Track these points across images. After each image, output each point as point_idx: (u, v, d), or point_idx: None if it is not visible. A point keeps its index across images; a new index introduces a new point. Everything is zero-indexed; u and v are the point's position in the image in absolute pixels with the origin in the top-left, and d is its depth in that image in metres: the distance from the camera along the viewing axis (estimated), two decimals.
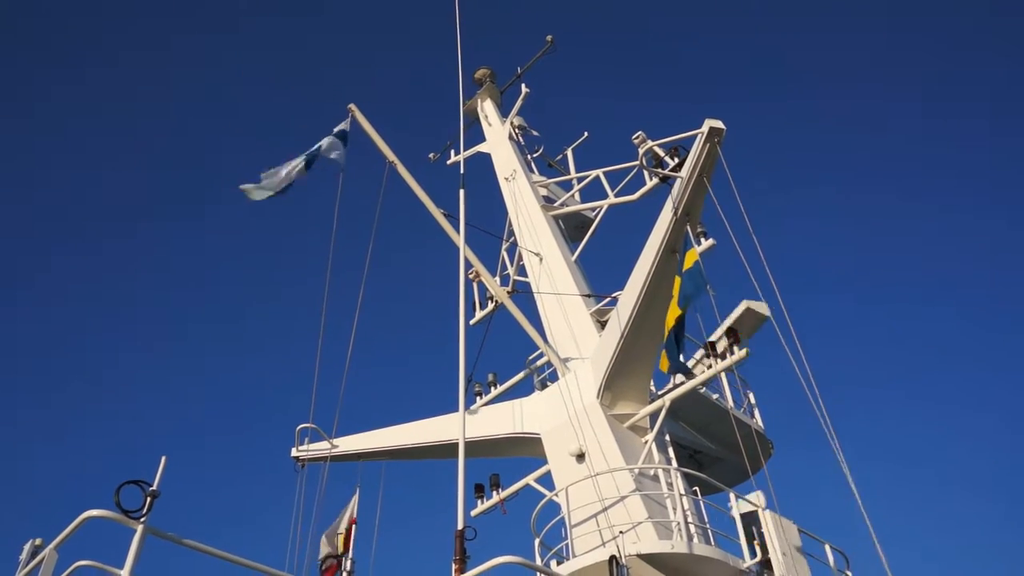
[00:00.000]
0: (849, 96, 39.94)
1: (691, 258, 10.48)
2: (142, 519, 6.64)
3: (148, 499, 6.69)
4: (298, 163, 12.63)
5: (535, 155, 19.04)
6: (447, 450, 13.44)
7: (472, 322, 16.55)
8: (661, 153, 13.41)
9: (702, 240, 13.32)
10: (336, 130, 13.23)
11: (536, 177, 18.02)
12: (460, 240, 12.43)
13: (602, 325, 13.68)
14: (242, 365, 40.30)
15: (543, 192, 17.42)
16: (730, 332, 12.30)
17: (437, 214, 13.92)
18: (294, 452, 13.56)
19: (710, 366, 12.15)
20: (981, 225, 37.19)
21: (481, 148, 18.72)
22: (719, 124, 11.05)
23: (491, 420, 13.42)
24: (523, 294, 15.00)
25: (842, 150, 40.11)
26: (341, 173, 12.69)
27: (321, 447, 13.68)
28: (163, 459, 6.83)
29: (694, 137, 11.40)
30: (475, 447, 13.00)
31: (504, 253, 17.46)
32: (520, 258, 16.39)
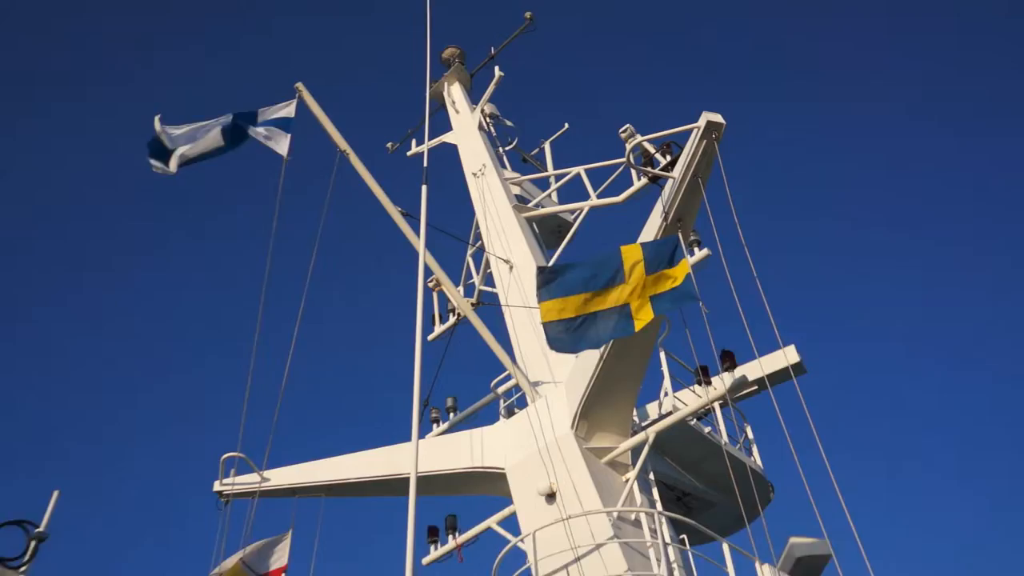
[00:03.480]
0: (868, 98, 40.58)
1: (681, 271, 10.33)
2: (22, 568, 6.23)
3: (32, 543, 6.30)
4: (217, 125, 12.14)
5: (508, 148, 19.01)
6: (397, 486, 13.27)
7: (430, 338, 16.41)
8: (651, 150, 13.39)
9: (695, 249, 13.31)
10: (278, 115, 12.91)
11: (508, 173, 17.95)
12: (420, 243, 12.33)
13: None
14: (160, 383, 39.58)
15: (516, 191, 17.36)
16: (726, 356, 12.19)
17: (394, 213, 13.74)
18: (217, 486, 13.31)
19: (706, 390, 12.25)
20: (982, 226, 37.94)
21: (446, 138, 18.60)
22: (718, 118, 11.01)
23: (448, 452, 13.27)
24: (490, 307, 14.91)
25: (861, 155, 40.65)
26: (283, 165, 12.40)
27: (249, 480, 13.46)
28: (54, 494, 6.45)
29: (689, 132, 11.36)
30: (429, 483, 12.85)
31: (469, 259, 17.35)
32: (488, 265, 16.29)
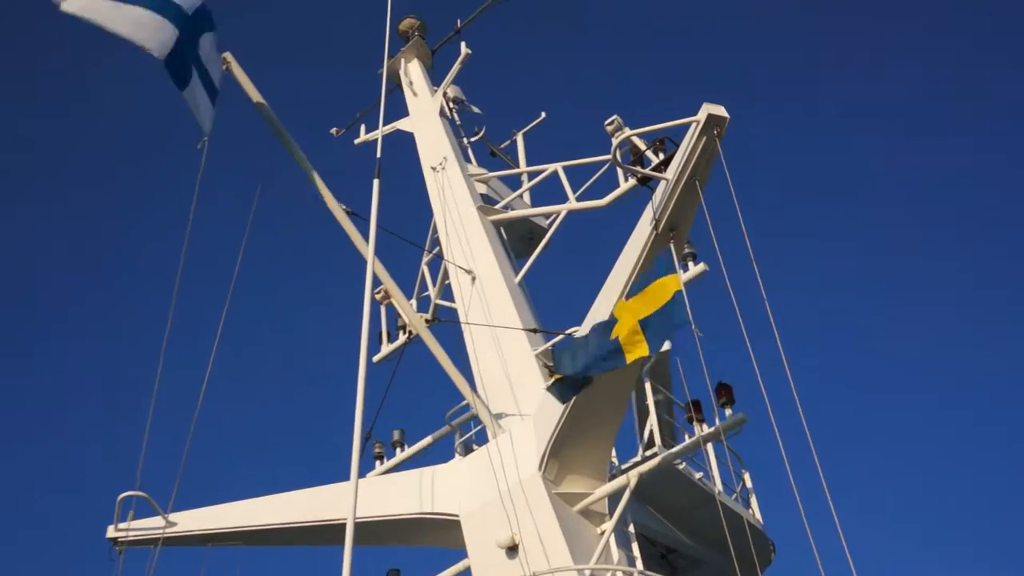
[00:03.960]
0: (887, 98, 41.21)
1: (671, 286, 10.30)
2: None
3: None
4: (158, 24, 11.64)
5: (474, 139, 19.00)
6: (330, 534, 13.07)
7: (376, 359, 16.29)
8: (641, 146, 13.42)
9: (690, 264, 13.31)
10: (212, 66, 12.59)
11: (474, 169, 17.94)
12: (368, 248, 12.22)
13: (551, 371, 13.39)
14: (50, 407, 38.79)
15: (482, 189, 17.34)
16: (722, 389, 12.11)
17: (338, 211, 13.62)
18: (111, 531, 13.03)
19: (698, 430, 12.33)
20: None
21: (401, 125, 18.54)
22: (721, 111, 11.00)
23: (393, 494, 13.15)
24: (447, 324, 14.80)
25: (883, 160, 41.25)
26: (204, 145, 12.13)
27: (151, 525, 13.20)
28: None
29: (687, 127, 11.34)
30: (369, 531, 12.61)
31: (425, 268, 17.29)
32: (446, 276, 16.23)
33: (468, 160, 18.25)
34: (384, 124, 14.77)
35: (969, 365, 39.00)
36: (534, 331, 14.15)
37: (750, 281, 10.46)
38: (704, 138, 11.04)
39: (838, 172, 41.20)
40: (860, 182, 41.55)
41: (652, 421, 13.04)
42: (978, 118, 40.46)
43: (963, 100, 40.22)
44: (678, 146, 11.58)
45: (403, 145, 18.35)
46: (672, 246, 11.25)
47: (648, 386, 13.23)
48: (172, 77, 11.80)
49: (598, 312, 11.83)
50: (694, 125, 11.15)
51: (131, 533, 12.97)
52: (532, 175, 17.41)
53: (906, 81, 40.90)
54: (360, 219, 13.34)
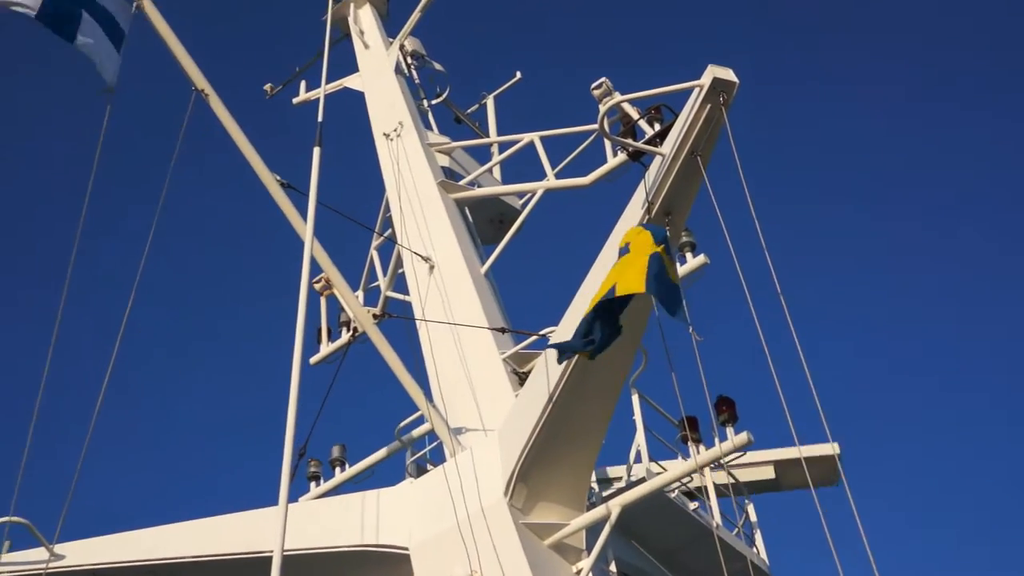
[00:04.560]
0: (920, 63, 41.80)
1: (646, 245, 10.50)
2: None
3: None
4: None
5: (436, 102, 19.11)
6: (254, 569, 13.02)
7: (313, 361, 16.34)
8: (634, 114, 13.52)
9: (688, 256, 13.41)
10: (117, 11, 12.54)
11: (435, 137, 18.01)
12: (306, 229, 12.26)
13: (521, 379, 13.67)
14: None
15: (444, 162, 17.44)
16: (723, 404, 12.23)
17: (271, 183, 13.63)
18: None
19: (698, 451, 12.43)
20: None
21: (349, 83, 18.63)
22: (729, 75, 11.08)
23: (330, 522, 13.17)
24: (399, 321, 14.83)
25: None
26: (108, 98, 12.08)
27: (33, 557, 13.12)
28: None
29: (688, 94, 11.44)
30: (301, 565, 12.64)
31: (374, 254, 17.38)
32: (399, 264, 16.31)
33: (428, 127, 18.29)
34: (328, 81, 14.80)
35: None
36: (502, 331, 14.23)
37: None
38: (708, 106, 11.09)
39: (863, 149, 41.75)
40: (880, 152, 42.13)
41: (639, 440, 13.16)
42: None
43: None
44: (677, 115, 11.67)
45: (351, 107, 18.43)
46: (667, 233, 11.28)
47: (635, 398, 13.34)
48: (53, 29, 11.68)
49: (578, 310, 11.88)
50: (696, 91, 11.20)
51: (7, 567, 12.89)
52: (504, 146, 17.48)
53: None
54: (298, 193, 13.38)
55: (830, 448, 13.72)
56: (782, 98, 42.66)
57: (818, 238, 41.72)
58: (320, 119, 12.99)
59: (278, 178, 13.60)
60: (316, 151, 12.58)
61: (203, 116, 13.64)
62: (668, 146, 11.53)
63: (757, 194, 10.64)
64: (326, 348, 16.46)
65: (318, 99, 13.63)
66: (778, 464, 14.61)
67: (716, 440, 12.25)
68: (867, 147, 41.79)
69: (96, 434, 11.90)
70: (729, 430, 12.56)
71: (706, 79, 11.14)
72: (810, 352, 9.90)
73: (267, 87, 20.19)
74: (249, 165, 13.66)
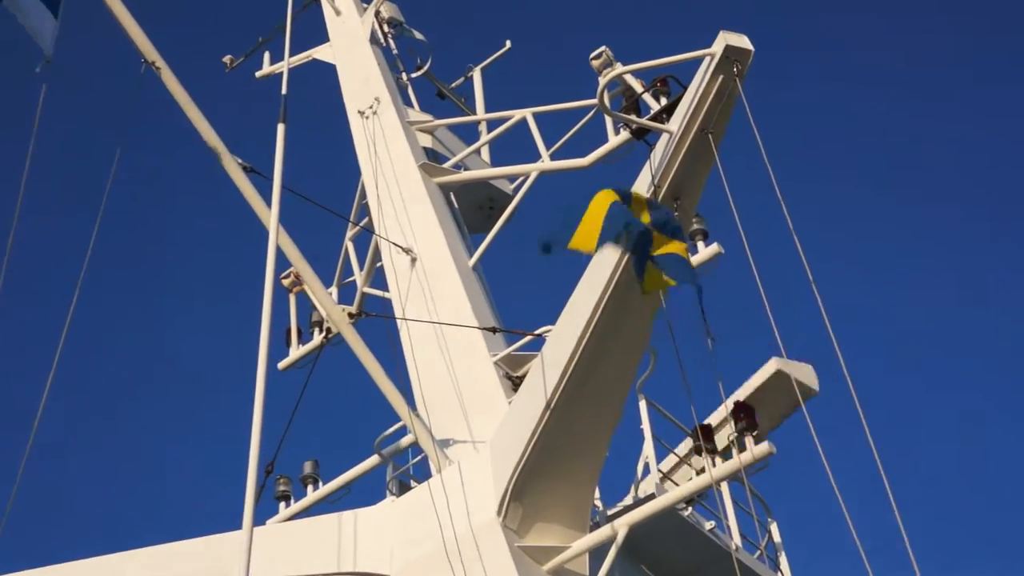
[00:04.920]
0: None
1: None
2: None
3: None
4: None
5: (416, 75, 19.13)
6: None
7: (281, 366, 16.39)
8: (638, 88, 13.57)
9: (699, 245, 13.57)
10: None
11: (416, 115, 18.04)
12: (271, 217, 12.27)
13: (515, 384, 13.72)
14: None
15: (426, 142, 17.49)
16: (742, 411, 12.37)
17: (233, 167, 13.68)
18: None
19: (702, 470, 12.27)
20: None
21: (319, 54, 18.71)
22: (743, 42, 11.15)
23: (302, 547, 13.17)
24: (378, 320, 14.83)
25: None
26: (43, 72, 12.08)
27: None
28: None
29: (697, 63, 11.50)
30: None
31: (349, 245, 17.39)
32: (378, 256, 16.35)
33: (408, 103, 18.31)
34: (294, 52, 14.81)
35: None
36: (492, 330, 14.28)
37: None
38: (720, 77, 11.14)
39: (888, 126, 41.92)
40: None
41: (647, 451, 13.20)
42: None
43: None
44: (685, 88, 11.75)
45: (322, 81, 18.43)
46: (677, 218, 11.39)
47: (643, 405, 13.36)
48: None
49: (576, 307, 11.99)
50: (707, 60, 11.25)
51: None
52: (493, 124, 17.51)
53: None
54: (262, 178, 13.38)
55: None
56: (802, 68, 42.84)
57: (848, 224, 41.89)
58: (284, 93, 12.99)
59: (240, 161, 13.59)
60: (280, 128, 12.56)
61: (155, 93, 13.62)
62: (676, 122, 11.57)
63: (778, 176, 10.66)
64: (296, 351, 16.46)
65: (283, 72, 13.60)
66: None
67: (734, 451, 12.21)
68: (899, 126, 42.04)
69: (38, 451, 11.89)
70: (748, 440, 12.45)
71: (718, 47, 11.18)
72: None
73: (226, 59, 20.20)
74: (207, 146, 13.64)
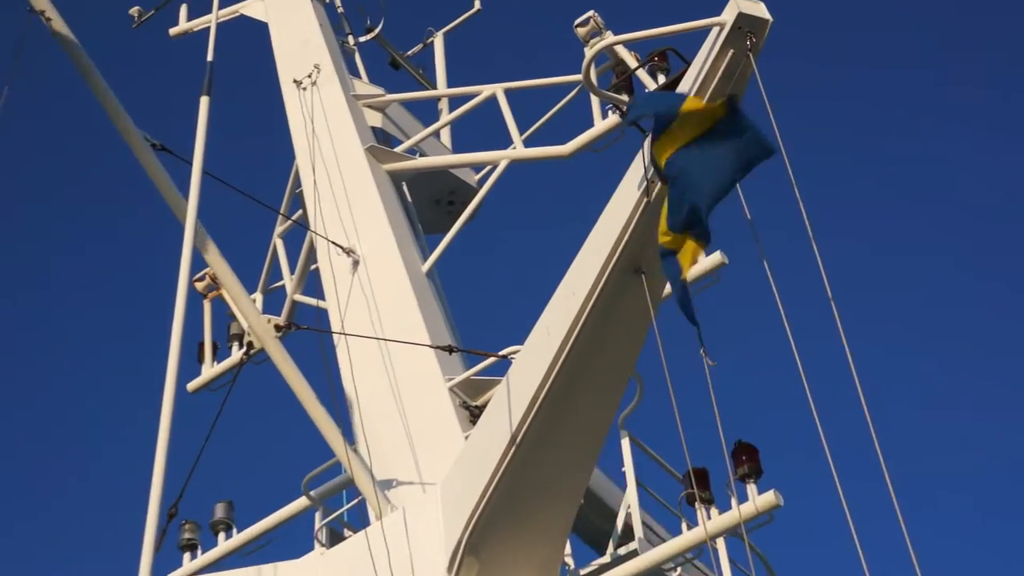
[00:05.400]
0: None
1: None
2: None
3: None
4: None
5: (365, 39, 19.20)
6: None
7: (192, 387, 16.41)
8: (631, 62, 13.63)
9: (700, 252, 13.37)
10: None
11: (364, 87, 18.11)
12: (188, 208, 12.39)
13: (473, 415, 13.72)
14: None
15: (375, 121, 17.53)
16: (743, 452, 12.38)
17: (140, 145, 13.55)
18: None
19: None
20: None
21: (248, 9, 18.73)
22: (759, 9, 11.04)
23: None
24: (311, 334, 14.64)
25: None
26: None
27: None
28: None
29: (703, 34, 11.42)
30: None
31: (278, 242, 17.48)
32: (313, 257, 16.35)
33: (355, 73, 18.39)
34: (220, 6, 14.64)
35: None
36: (449, 350, 14.24)
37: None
38: (731, 51, 11.03)
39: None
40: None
41: (629, 498, 13.16)
42: None
43: None
44: (688, 64, 11.64)
45: (251, 43, 18.30)
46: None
47: (626, 443, 13.35)
48: None
49: (552, 322, 11.96)
50: (716, 30, 11.14)
51: None
52: (456, 102, 17.57)
53: None
54: (177, 160, 13.38)
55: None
56: (826, 43, 43.08)
57: (872, 229, 42.15)
58: (210, 58, 12.86)
59: (148, 137, 13.49)
60: (203, 102, 12.65)
61: (44, 50, 13.42)
62: None
63: (798, 171, 10.51)
64: (209, 370, 16.53)
65: (206, 31, 13.49)
66: None
67: (733, 501, 12.28)
68: (928, 109, 42.39)
69: None
70: (751, 487, 12.54)
71: (728, 15, 11.04)
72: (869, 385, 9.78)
73: (134, 11, 20.15)
74: (108, 119, 13.49)
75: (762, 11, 11.04)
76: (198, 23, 19.05)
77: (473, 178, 17.44)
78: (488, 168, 16.45)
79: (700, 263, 13.41)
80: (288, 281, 16.91)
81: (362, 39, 19.17)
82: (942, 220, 42.76)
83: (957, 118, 43.04)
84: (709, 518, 12.64)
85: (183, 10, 19.45)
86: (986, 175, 41.56)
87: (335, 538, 13.65)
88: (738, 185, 10.76)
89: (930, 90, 43.92)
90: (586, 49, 14.23)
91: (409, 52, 19.92)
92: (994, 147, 42.52)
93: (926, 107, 43.53)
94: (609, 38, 13.64)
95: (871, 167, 43.95)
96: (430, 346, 14.16)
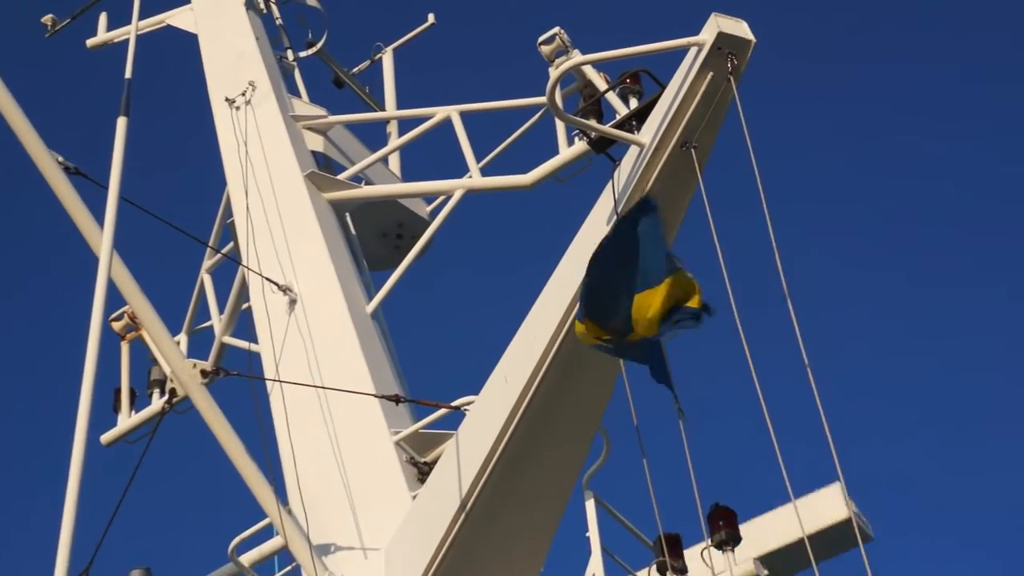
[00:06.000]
0: None
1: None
2: None
3: None
4: None
5: (307, 54, 19.32)
6: None
7: (106, 440, 16.37)
8: (600, 84, 13.62)
9: None
10: None
11: (304, 107, 18.19)
12: (103, 237, 12.31)
13: (422, 473, 13.73)
14: None
15: (315, 145, 17.63)
16: (720, 516, 12.36)
17: (50, 168, 13.60)
18: None
19: None
20: None
21: (176, 20, 18.80)
22: (741, 29, 11.21)
23: None
24: (241, 382, 14.65)
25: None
26: None
27: None
28: None
29: (680, 55, 11.59)
30: None
31: (206, 277, 17.49)
32: (245, 295, 16.38)
33: (295, 91, 18.46)
34: (143, 16, 14.64)
35: None
36: (395, 400, 14.21)
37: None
38: (710, 75, 11.20)
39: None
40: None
41: (594, 567, 13.15)
42: None
43: None
44: (664, 87, 11.77)
45: (179, 56, 18.30)
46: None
47: (591, 505, 13.35)
48: None
49: (511, 370, 12.01)
50: (693, 51, 11.31)
51: None
52: (407, 124, 17.61)
53: None
54: (92, 184, 13.39)
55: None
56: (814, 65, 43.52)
57: (862, 272, 42.51)
58: (128, 75, 12.83)
59: (62, 160, 13.52)
60: (121, 123, 12.56)
61: None
62: (649, 132, 11.62)
63: (776, 206, 10.61)
64: (127, 420, 16.45)
65: (126, 42, 13.51)
66: None
67: (710, 570, 12.30)
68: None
69: None
70: (728, 555, 12.62)
71: (708, 34, 11.23)
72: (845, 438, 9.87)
73: (47, 19, 20.19)
74: (17, 138, 13.53)
75: (744, 31, 11.20)
76: (119, 34, 19.02)
77: (424, 209, 17.50)
78: (441, 199, 16.52)
79: None
80: (217, 321, 16.85)
81: (303, 54, 19.27)
82: None
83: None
84: None
85: (102, 19, 19.46)
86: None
87: None
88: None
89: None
90: (551, 69, 14.28)
91: (355, 69, 20.01)
92: None
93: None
94: (576, 57, 13.63)
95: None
96: (374, 395, 14.11)
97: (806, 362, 10.05)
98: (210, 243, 17.26)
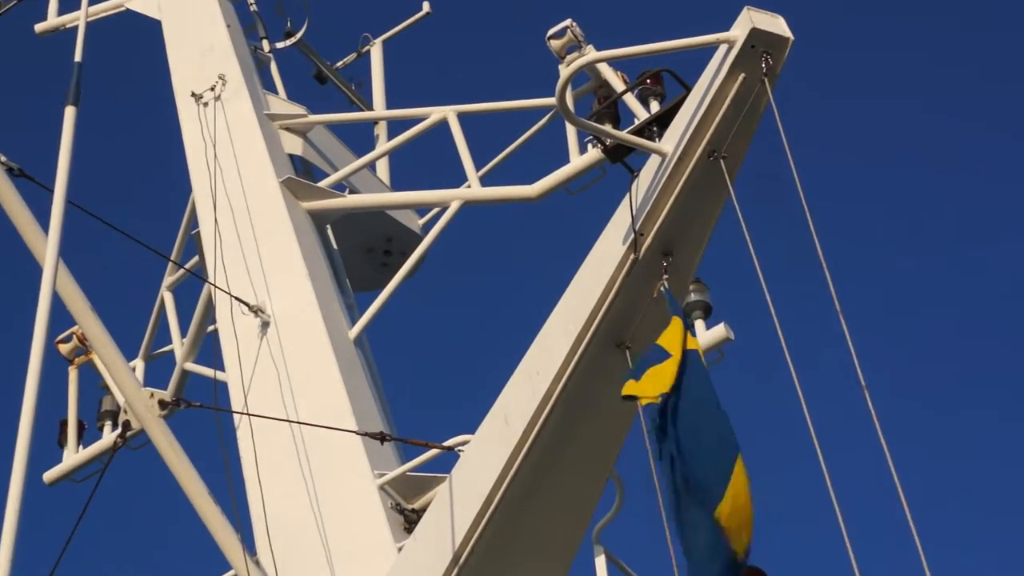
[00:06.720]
0: None
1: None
2: None
3: None
4: None
5: (284, 46, 19.48)
6: None
7: (49, 477, 16.48)
8: (617, 84, 13.87)
9: (698, 324, 13.81)
10: None
11: (281, 106, 18.28)
12: (48, 246, 12.08)
13: (409, 521, 13.76)
14: None
15: (294, 148, 17.71)
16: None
17: None
18: None
19: None
20: None
21: (133, 3, 18.88)
22: (778, 25, 11.32)
23: None
24: (205, 414, 14.61)
25: None
26: None
27: None
28: None
29: (708, 53, 11.69)
30: None
31: (167, 295, 17.61)
32: (211, 316, 16.46)
33: (271, 88, 18.58)
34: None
35: None
36: (380, 438, 14.11)
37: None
38: (742, 75, 11.31)
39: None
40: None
41: None
42: None
43: None
44: (689, 89, 11.86)
45: (139, 46, 18.36)
46: (665, 282, 11.46)
47: (601, 560, 13.46)
48: None
49: (511, 408, 12.04)
50: (723, 49, 11.42)
51: None
52: (398, 126, 17.74)
53: None
54: (37, 187, 13.36)
55: None
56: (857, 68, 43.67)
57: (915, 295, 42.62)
58: (78, 58, 12.89)
59: (4, 159, 13.52)
60: (69, 113, 12.45)
61: None
62: (672, 140, 11.71)
63: (822, 220, 10.66)
64: (73, 456, 16.52)
65: (75, 28, 13.55)
66: None
67: None
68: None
69: None
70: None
71: (740, 31, 11.34)
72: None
73: None
74: None
75: (781, 27, 11.29)
76: (71, 18, 19.10)
77: (416, 222, 17.57)
78: (435, 211, 16.59)
79: (699, 337, 13.48)
80: (178, 345, 16.93)
81: (280, 45, 19.38)
82: None
83: None
84: None
85: (53, 1, 19.57)
86: None
87: None
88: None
89: None
90: (561, 67, 14.41)
91: (340, 63, 20.09)
92: None
93: None
94: (591, 54, 13.74)
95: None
96: (356, 432, 14.09)
97: (871, 407, 10.07)
98: (172, 256, 17.29)
